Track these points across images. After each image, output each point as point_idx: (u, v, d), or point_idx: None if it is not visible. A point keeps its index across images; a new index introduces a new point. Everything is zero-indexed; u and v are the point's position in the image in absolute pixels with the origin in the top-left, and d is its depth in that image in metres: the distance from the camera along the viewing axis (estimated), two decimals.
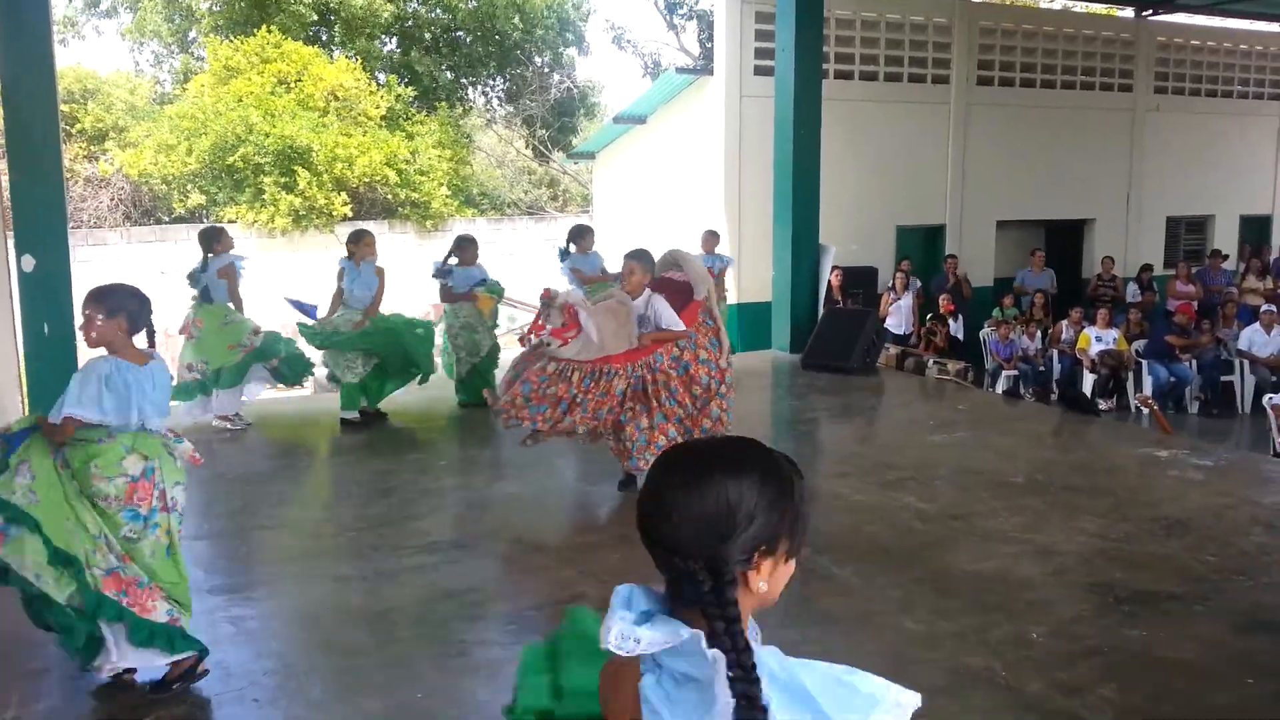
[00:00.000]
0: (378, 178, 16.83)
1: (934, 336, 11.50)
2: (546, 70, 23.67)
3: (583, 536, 5.37)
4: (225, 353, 7.27)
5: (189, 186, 16.56)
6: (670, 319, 5.59)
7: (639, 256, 5.67)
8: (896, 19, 13.32)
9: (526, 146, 23.51)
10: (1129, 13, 15.68)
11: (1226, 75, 16.38)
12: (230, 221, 16.01)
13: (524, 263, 17.65)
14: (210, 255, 7.45)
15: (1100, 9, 17.09)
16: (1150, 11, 15.44)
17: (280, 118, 16.40)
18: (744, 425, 8.42)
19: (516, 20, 21.50)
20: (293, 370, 7.62)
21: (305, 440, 7.67)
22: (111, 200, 16.92)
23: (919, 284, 12.66)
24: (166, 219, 16.82)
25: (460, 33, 21.98)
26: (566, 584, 4.69)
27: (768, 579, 1.32)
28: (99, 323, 3.48)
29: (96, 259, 14.82)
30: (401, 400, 8.22)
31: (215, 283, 7.39)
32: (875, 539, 5.20)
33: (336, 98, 17.83)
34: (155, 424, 3.59)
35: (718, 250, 10.64)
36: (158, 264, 15.03)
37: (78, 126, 17.41)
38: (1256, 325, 11.59)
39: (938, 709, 3.49)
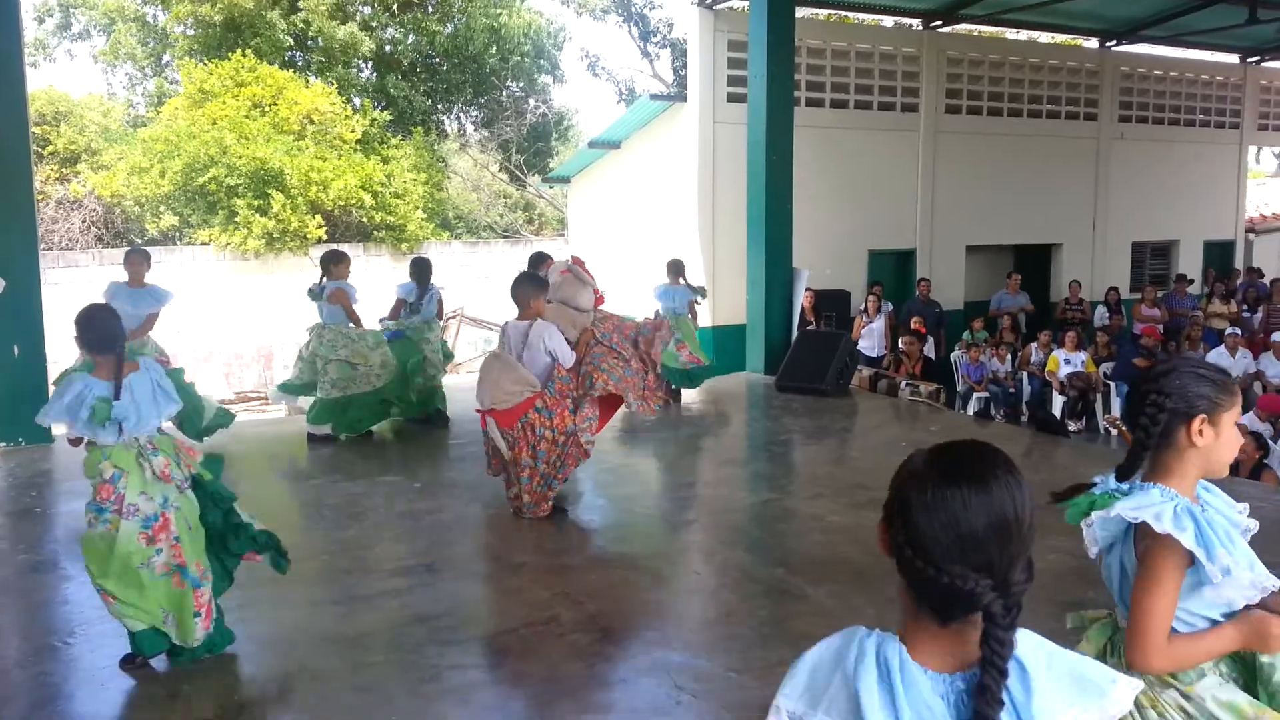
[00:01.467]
0: (353, 201, 16.82)
1: (907, 358, 11.61)
2: (522, 96, 23.80)
3: (557, 559, 5.37)
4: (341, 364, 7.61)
5: (161, 208, 16.46)
6: (563, 352, 5.72)
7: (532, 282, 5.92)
8: (866, 48, 13.53)
9: (502, 170, 23.58)
10: (1093, 43, 16.02)
11: (1189, 104, 16.74)
12: (203, 244, 15.92)
13: (499, 285, 17.67)
14: (326, 279, 7.70)
15: (1065, 40, 17.44)
16: (1114, 42, 15.77)
17: (254, 141, 16.37)
18: (720, 446, 8.49)
19: (492, 47, 21.63)
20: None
21: (276, 463, 7.62)
22: (83, 222, 16.79)
23: (890, 307, 12.80)
24: (139, 241, 16.70)
25: (437, 59, 22.08)
26: (541, 606, 4.69)
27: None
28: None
29: (67, 281, 14.68)
30: (379, 425, 8.19)
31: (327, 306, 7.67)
32: (849, 559, 5.24)
33: (312, 122, 17.83)
34: (133, 434, 3.77)
35: (684, 281, 9.71)
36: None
37: (49, 149, 17.30)
38: (1221, 348, 11.78)
39: None
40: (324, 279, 7.76)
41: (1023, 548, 1.25)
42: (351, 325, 7.72)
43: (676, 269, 9.69)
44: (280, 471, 7.45)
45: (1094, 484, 2.15)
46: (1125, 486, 2.06)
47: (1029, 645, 1.26)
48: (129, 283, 7.54)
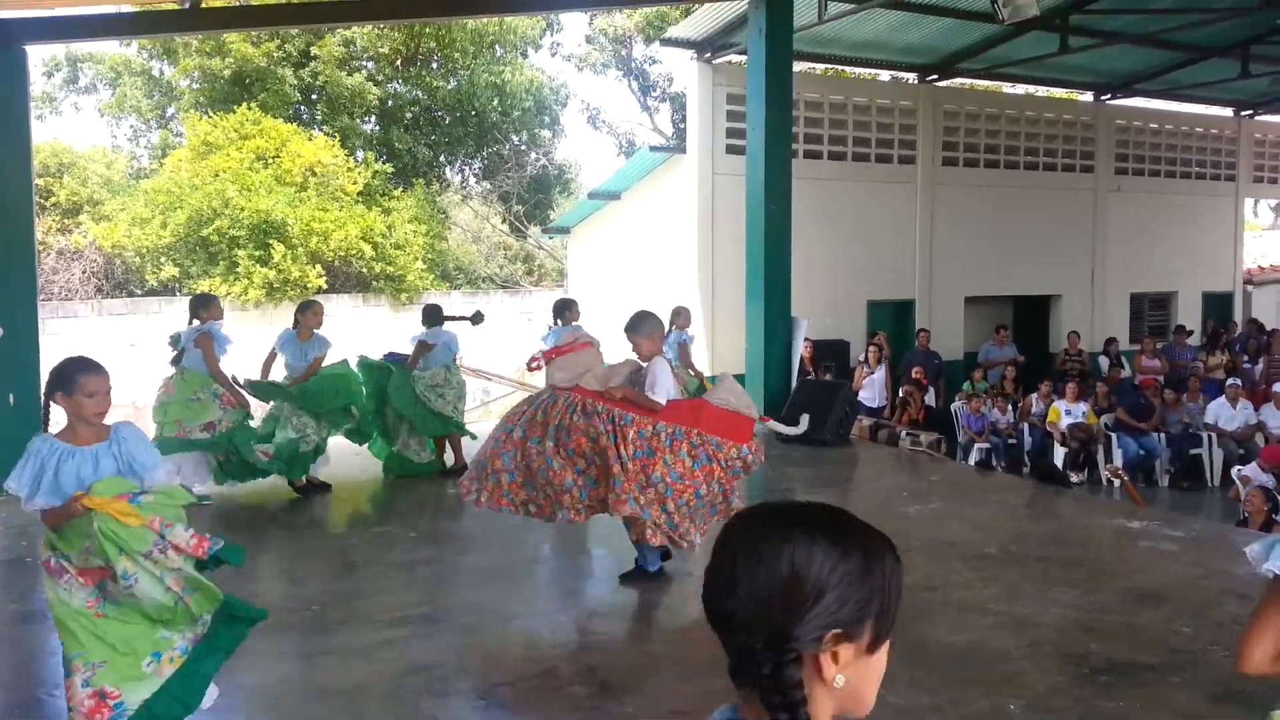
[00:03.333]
0: (353, 251, 16.90)
1: (909, 404, 11.57)
2: (524, 148, 24.04)
3: (556, 609, 5.28)
4: (171, 424, 7.11)
5: (162, 259, 16.54)
6: (661, 387, 5.25)
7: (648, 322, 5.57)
8: (863, 102, 13.70)
9: (503, 222, 23.75)
10: (1088, 97, 16.21)
11: (1184, 157, 16.90)
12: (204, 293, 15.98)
13: (499, 336, 17.68)
14: (196, 322, 7.29)
15: (1061, 94, 17.67)
16: (1109, 96, 15.97)
17: (257, 192, 16.49)
18: None
19: (495, 102, 21.91)
20: (238, 470, 7.33)
21: (269, 514, 7.54)
22: (83, 273, 16.85)
23: (888, 356, 12.79)
24: (139, 292, 16.75)
25: (440, 112, 22.34)
26: (539, 658, 4.60)
27: (847, 671, 1.12)
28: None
29: (66, 331, 14.69)
30: (373, 472, 8.13)
31: (192, 350, 7.25)
32: None
33: (314, 174, 17.99)
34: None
35: (674, 327, 9.87)
36: (128, 337, 14.92)
37: (52, 200, 17.42)
38: (1222, 399, 11.76)
39: None
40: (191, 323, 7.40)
41: (807, 606, 1.11)
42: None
43: (684, 314, 10.11)
44: (273, 521, 7.38)
45: None
46: None
47: None
48: (299, 335, 7.74)
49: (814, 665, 1.11)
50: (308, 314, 7.77)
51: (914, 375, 12.19)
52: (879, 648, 1.15)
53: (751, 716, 1.13)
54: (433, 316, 8.59)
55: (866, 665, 1.15)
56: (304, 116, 20.81)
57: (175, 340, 7.35)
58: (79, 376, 3.43)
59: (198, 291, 8.47)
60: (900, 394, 11.97)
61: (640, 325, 5.47)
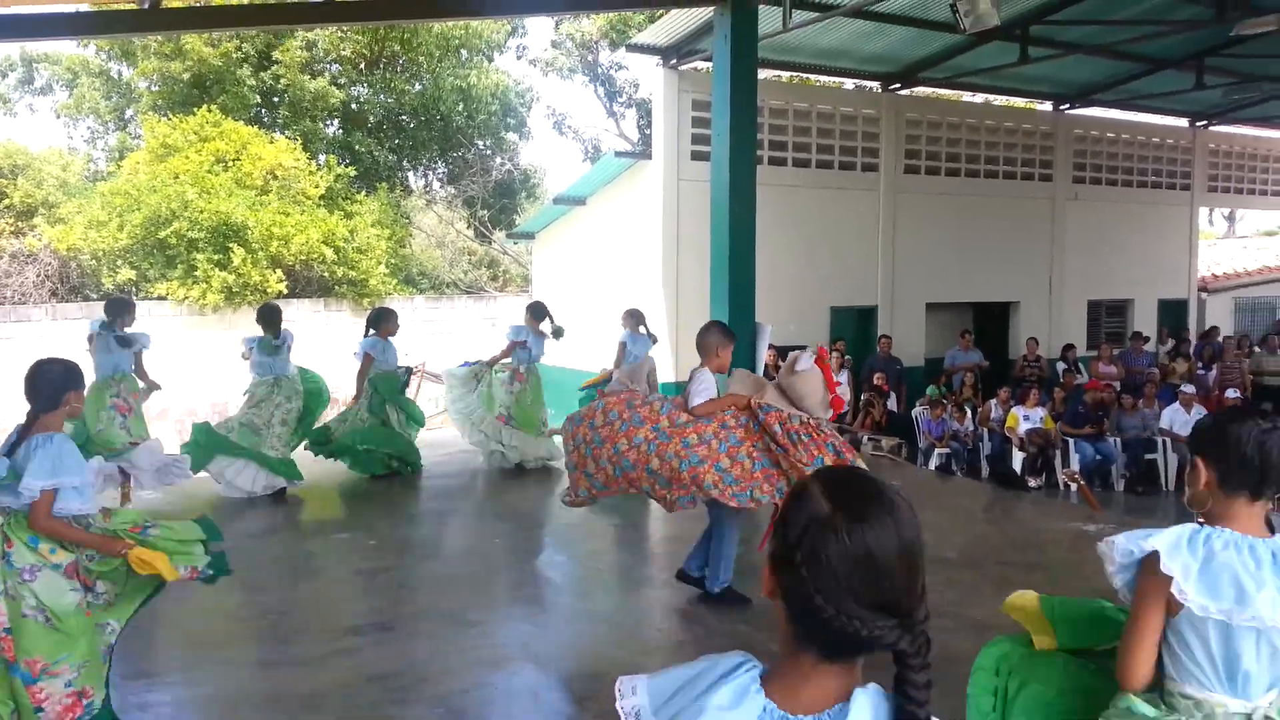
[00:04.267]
0: (314, 255, 16.72)
1: (872, 408, 11.65)
2: (488, 153, 23.95)
3: (517, 615, 5.25)
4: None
5: (119, 262, 16.26)
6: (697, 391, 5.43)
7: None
8: (827, 109, 13.79)
9: (467, 227, 23.63)
10: (1047, 106, 16.45)
11: (1140, 166, 17.19)
12: (161, 298, 15.72)
13: (462, 341, 17.59)
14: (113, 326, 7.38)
15: (1020, 103, 17.92)
16: (1067, 106, 16.22)
17: (216, 195, 16.27)
18: None
19: (460, 106, 21.80)
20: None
21: (225, 520, 7.43)
22: (38, 276, 16.54)
23: (849, 362, 12.88)
24: (94, 295, 16.46)
25: (404, 116, 22.20)
26: (500, 663, 4.58)
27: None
28: None
29: (20, 335, 14.41)
30: (335, 478, 8.05)
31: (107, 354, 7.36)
32: None
33: (275, 177, 17.78)
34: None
35: (644, 329, 10.21)
36: (83, 341, 14.65)
37: (5, 202, 17.09)
38: (1177, 405, 11.96)
39: None
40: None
41: (922, 578, 1.21)
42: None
43: (636, 318, 10.08)
44: (232, 529, 7.26)
45: None
46: None
47: (869, 702, 1.22)
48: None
49: None
50: (389, 323, 8.33)
51: (876, 381, 12.29)
52: None
53: (810, 683, 1.20)
54: (538, 313, 9.01)
55: None
56: (265, 119, 20.58)
57: (92, 338, 7.46)
58: (80, 373, 3.61)
59: (114, 296, 8.56)
60: (863, 399, 12.05)
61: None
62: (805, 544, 1.19)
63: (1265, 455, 2.07)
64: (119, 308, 7.56)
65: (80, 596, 3.48)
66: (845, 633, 1.17)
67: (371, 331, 8.67)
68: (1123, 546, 2.10)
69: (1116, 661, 2.09)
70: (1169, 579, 1.99)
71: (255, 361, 7.82)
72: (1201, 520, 2.14)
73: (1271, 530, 2.10)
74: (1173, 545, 2.02)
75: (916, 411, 12.45)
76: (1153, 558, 2.02)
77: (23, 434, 3.46)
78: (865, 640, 1.17)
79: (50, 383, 3.48)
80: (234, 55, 19.37)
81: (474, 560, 6.17)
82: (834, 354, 12.54)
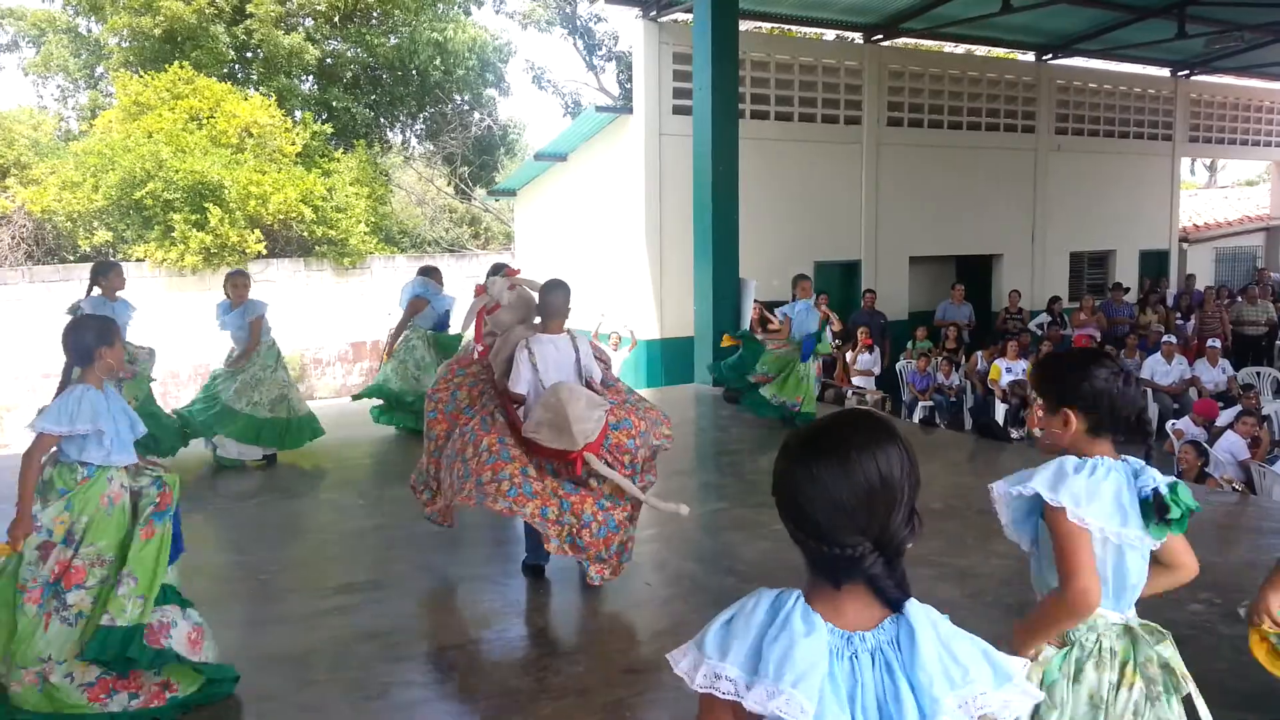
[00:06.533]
0: (293, 215, 16.54)
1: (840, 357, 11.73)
2: (467, 109, 23.66)
3: (506, 574, 5.29)
4: None
5: (95, 224, 16.04)
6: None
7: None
8: (809, 61, 13.68)
9: (448, 184, 23.40)
10: (1029, 57, 16.38)
11: (1123, 117, 17.18)
12: (139, 259, 15.54)
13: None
14: (96, 290, 7.10)
15: (1002, 53, 17.81)
16: (1049, 56, 16.14)
17: (191, 154, 16.03)
18: (668, 457, 8.45)
19: (437, 60, 21.48)
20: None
21: (214, 482, 7.42)
22: (12, 239, 16.30)
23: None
24: (71, 258, 16.25)
25: (380, 71, 21.86)
26: (490, 621, 4.61)
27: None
28: None
29: None
30: (320, 440, 8.03)
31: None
32: (798, 566, 5.21)
33: (251, 134, 17.52)
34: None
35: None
36: (62, 304, 14.47)
37: None
38: (1158, 355, 12.06)
39: None
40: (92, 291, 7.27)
41: (899, 504, 1.37)
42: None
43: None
44: (220, 491, 7.26)
45: None
46: None
47: (920, 616, 1.39)
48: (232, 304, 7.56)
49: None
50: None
51: (859, 336, 12.33)
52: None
53: (842, 606, 1.38)
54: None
55: None
56: (239, 76, 20.23)
57: (74, 310, 7.06)
58: (118, 332, 3.84)
59: (100, 260, 8.23)
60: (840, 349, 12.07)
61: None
62: (782, 494, 1.42)
63: (1129, 401, 2.23)
64: (100, 270, 7.34)
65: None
66: (825, 556, 1.37)
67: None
68: (1003, 489, 2.23)
69: (1067, 589, 2.14)
70: (1061, 508, 2.11)
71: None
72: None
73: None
74: (1053, 481, 2.13)
75: (901, 365, 12.51)
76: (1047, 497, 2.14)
77: (61, 389, 3.71)
78: (846, 561, 1.36)
79: (82, 340, 3.70)
80: (206, 10, 18.99)
81: (463, 519, 6.19)
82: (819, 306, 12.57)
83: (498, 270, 8.32)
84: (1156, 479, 2.16)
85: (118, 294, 7.19)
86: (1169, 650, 2.24)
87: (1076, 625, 2.19)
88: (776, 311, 9.25)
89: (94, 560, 3.57)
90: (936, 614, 1.41)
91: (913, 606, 1.39)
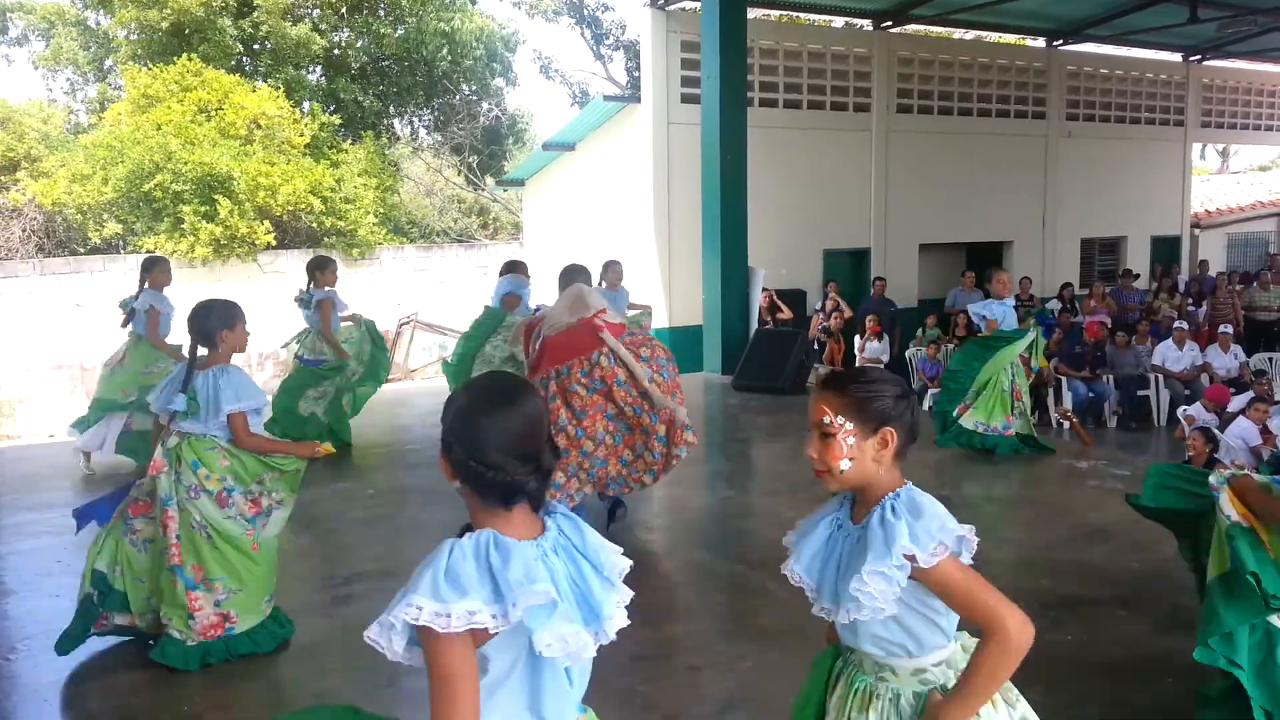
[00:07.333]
0: (302, 206, 16.56)
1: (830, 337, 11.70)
2: (475, 99, 23.63)
3: None
4: (115, 389, 6.92)
5: (105, 216, 16.10)
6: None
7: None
8: (818, 49, 13.61)
9: (456, 174, 23.40)
10: (1040, 43, 16.26)
11: (1134, 102, 17.05)
12: (148, 252, 15.60)
13: (454, 290, 17.53)
14: (148, 285, 7.05)
15: (1012, 39, 17.69)
16: (1060, 42, 16.02)
17: (200, 146, 16.06)
18: None
19: (445, 50, 21.46)
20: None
21: None
22: (23, 231, 16.38)
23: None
24: (81, 250, 16.33)
25: (387, 62, 21.85)
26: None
27: None
28: None
29: (7, 291, 14.32)
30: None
31: (141, 317, 6.99)
32: None
33: (259, 126, 17.54)
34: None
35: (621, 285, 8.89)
36: (73, 296, 14.58)
37: None
38: (1169, 341, 11.99)
39: None
40: (310, 285, 7.43)
41: (546, 435, 1.74)
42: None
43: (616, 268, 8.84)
44: None
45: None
46: None
47: (566, 516, 1.78)
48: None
49: None
50: (326, 272, 7.53)
51: (869, 324, 12.30)
52: None
53: (514, 523, 1.69)
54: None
55: None
56: (246, 68, 20.24)
57: (126, 305, 7.10)
58: (239, 313, 4.07)
59: (147, 253, 8.21)
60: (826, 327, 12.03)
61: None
62: (458, 430, 1.69)
63: (919, 421, 2.06)
64: (145, 265, 7.34)
65: (243, 528, 3.98)
66: (500, 483, 1.66)
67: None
68: (880, 570, 1.86)
69: (1001, 631, 1.83)
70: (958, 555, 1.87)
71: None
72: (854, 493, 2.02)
73: None
74: (925, 530, 1.86)
75: (910, 352, 12.47)
76: (940, 547, 1.87)
77: (190, 370, 3.96)
78: (517, 485, 1.67)
79: (206, 323, 3.97)
80: (213, 2, 19.00)
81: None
82: (830, 298, 12.55)
83: (513, 268, 8.26)
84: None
85: (164, 289, 7.15)
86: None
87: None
88: (971, 312, 7.77)
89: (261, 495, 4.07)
90: (568, 509, 1.81)
91: (557, 511, 1.77)
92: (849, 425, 1.93)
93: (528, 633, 1.59)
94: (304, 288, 7.49)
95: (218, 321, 3.97)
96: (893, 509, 1.90)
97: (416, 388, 8.98)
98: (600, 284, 8.29)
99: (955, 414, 7.20)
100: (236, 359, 4.11)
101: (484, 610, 1.56)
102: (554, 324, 5.01)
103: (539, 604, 1.58)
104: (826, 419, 1.95)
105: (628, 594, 1.76)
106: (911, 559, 1.85)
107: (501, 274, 7.97)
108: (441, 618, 1.54)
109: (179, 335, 7.67)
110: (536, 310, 5.90)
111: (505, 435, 1.67)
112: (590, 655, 1.69)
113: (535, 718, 1.68)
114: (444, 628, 1.54)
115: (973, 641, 1.96)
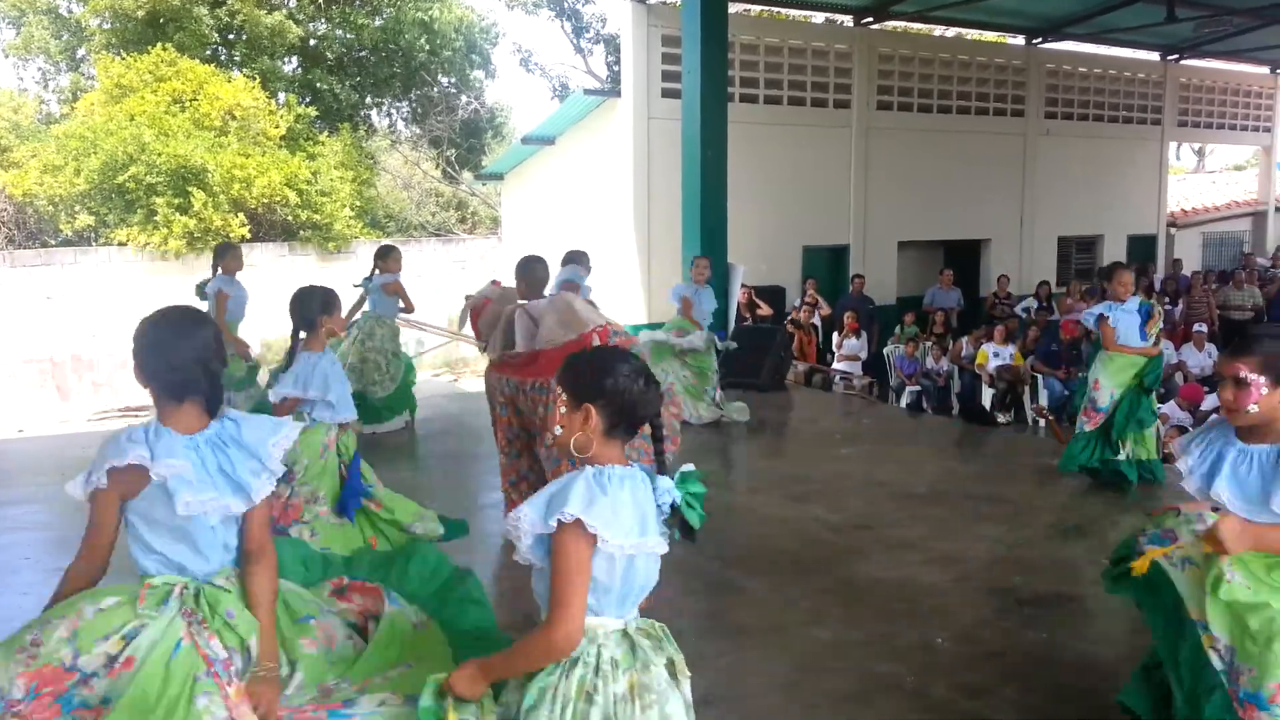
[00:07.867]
0: (277, 198, 16.38)
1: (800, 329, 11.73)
2: (453, 91, 23.47)
3: (501, 559, 5.25)
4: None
5: (77, 208, 15.86)
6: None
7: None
8: (799, 44, 13.60)
9: (434, 168, 23.24)
10: (1019, 41, 16.32)
11: (1112, 101, 17.15)
12: (120, 244, 15.39)
13: (432, 285, 17.39)
14: (220, 271, 7.39)
15: (992, 37, 17.75)
16: (1039, 40, 16.09)
17: (174, 137, 15.85)
18: None
19: (423, 41, 21.28)
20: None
21: None
22: None
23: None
24: (53, 242, 16.09)
25: (365, 53, 21.66)
26: (496, 603, 4.56)
27: None
28: None
29: None
30: None
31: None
32: (786, 551, 5.21)
33: (234, 117, 17.34)
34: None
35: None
36: (44, 289, 14.36)
37: None
38: None
39: (848, 716, 3.48)
40: (375, 272, 7.87)
41: (211, 345, 2.33)
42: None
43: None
44: None
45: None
46: None
47: (233, 413, 2.37)
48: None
49: None
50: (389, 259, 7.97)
51: (847, 321, 12.30)
52: None
53: (184, 416, 2.29)
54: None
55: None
56: (222, 57, 20.00)
57: (201, 290, 7.45)
58: (336, 300, 4.38)
59: (220, 242, 8.72)
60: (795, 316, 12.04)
61: None
62: (146, 348, 2.30)
63: (647, 403, 2.11)
64: (218, 252, 7.54)
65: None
66: (184, 381, 2.26)
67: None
68: (533, 518, 2.03)
69: (553, 630, 1.99)
70: (593, 535, 1.95)
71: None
72: (579, 462, 2.09)
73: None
74: (587, 503, 1.96)
75: (888, 350, 12.49)
76: (576, 522, 1.96)
77: (291, 353, 4.24)
78: (188, 382, 2.26)
79: (308, 308, 4.23)
80: None
81: (472, 505, 6.15)
82: (808, 295, 12.54)
83: (575, 258, 8.00)
84: (671, 490, 2.08)
85: (237, 275, 7.47)
86: (671, 648, 2.14)
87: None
88: (1085, 315, 6.64)
89: (309, 498, 4.12)
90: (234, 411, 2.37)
91: (228, 415, 2.33)
92: (561, 394, 2.14)
93: (171, 495, 2.18)
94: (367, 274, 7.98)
95: (321, 307, 4.24)
96: (580, 480, 2.04)
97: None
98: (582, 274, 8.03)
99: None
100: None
101: (144, 456, 2.18)
102: (549, 339, 4.80)
103: (178, 474, 2.18)
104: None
105: (280, 470, 2.34)
106: None
107: (563, 263, 7.98)
108: (136, 468, 2.19)
109: (256, 319, 7.87)
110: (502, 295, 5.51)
111: (186, 346, 2.25)
112: (237, 512, 2.28)
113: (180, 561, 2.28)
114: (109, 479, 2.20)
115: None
